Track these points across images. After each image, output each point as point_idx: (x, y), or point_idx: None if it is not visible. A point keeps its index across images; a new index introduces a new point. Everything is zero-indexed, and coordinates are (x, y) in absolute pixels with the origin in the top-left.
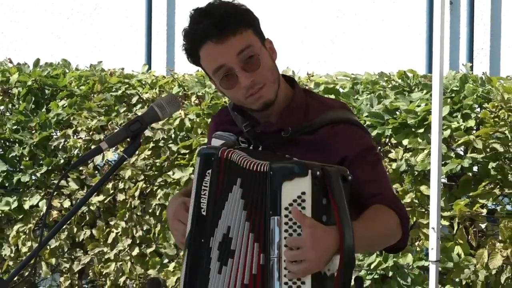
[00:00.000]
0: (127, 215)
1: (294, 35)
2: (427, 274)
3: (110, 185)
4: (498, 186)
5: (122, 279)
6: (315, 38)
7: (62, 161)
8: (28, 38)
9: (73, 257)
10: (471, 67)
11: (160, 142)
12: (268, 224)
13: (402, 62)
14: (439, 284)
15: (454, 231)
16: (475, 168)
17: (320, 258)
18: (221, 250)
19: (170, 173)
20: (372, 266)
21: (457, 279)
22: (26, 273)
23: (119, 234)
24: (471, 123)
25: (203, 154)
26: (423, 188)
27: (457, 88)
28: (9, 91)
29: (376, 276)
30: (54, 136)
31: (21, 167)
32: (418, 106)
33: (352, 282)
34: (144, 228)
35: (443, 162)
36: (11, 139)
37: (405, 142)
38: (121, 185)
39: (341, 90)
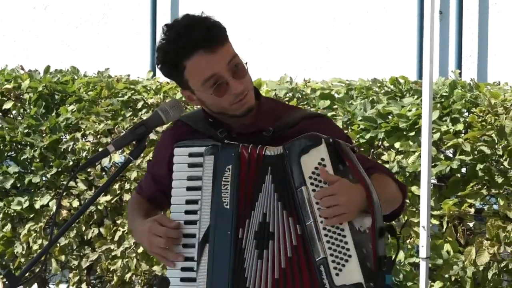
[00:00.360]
0: None
1: (292, 43)
2: (418, 271)
3: (116, 186)
4: (486, 187)
5: (128, 275)
6: (311, 46)
7: (71, 163)
8: (39, 46)
9: (81, 254)
10: (460, 74)
11: None
12: (297, 196)
13: (394, 68)
14: (429, 280)
15: (444, 230)
16: (463, 170)
17: (351, 203)
18: (259, 238)
19: None
20: None
21: (446, 275)
22: (37, 270)
23: (125, 232)
24: (460, 127)
25: (219, 152)
26: (414, 188)
27: (446, 93)
28: (21, 96)
29: None
30: (64, 139)
31: (32, 168)
32: (410, 110)
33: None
34: None
35: (433, 164)
36: (23, 142)
37: (397, 145)
38: (127, 186)
39: (336, 95)
